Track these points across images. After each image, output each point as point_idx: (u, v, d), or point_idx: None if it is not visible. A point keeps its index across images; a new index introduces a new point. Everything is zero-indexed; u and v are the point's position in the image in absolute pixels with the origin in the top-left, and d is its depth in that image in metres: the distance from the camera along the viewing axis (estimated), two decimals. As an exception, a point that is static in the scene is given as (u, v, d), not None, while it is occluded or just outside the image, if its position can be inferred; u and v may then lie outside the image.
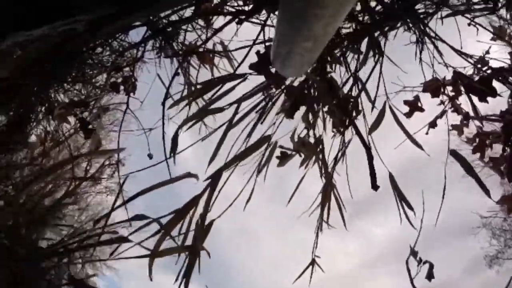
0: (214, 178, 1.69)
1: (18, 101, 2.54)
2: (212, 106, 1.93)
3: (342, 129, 2.13)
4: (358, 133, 1.89)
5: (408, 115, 2.14)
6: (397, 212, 1.90)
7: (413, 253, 1.77)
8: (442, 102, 2.15)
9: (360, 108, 2.11)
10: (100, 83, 2.81)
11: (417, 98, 2.15)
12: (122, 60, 2.59)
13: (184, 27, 2.49)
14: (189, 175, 1.74)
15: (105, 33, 2.26)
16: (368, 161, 1.73)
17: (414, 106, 2.13)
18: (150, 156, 2.51)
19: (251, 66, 1.87)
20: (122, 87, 2.38)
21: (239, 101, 1.86)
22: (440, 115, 2.18)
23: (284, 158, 2.09)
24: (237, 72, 1.99)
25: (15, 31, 1.83)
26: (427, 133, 2.20)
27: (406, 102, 2.16)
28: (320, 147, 2.18)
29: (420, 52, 2.18)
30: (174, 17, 2.35)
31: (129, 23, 2.27)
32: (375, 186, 1.68)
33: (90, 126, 2.31)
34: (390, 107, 2.10)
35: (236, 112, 1.86)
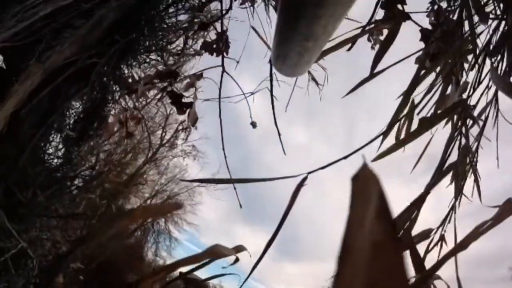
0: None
1: (91, 85, 2.19)
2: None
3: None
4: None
5: None
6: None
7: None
8: None
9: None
10: (177, 48, 2.37)
11: None
12: (202, 17, 2.12)
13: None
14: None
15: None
16: None
17: None
18: (253, 125, 2.22)
19: (382, 5, 1.56)
20: (214, 46, 1.91)
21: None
22: None
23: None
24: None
25: None
26: None
27: None
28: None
29: None
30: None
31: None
32: None
33: (184, 99, 1.90)
34: None
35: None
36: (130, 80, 2.57)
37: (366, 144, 0.89)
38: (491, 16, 1.57)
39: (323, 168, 0.80)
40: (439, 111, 1.31)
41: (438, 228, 1.15)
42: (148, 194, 14.40)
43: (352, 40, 1.37)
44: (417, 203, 0.85)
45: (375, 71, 1.22)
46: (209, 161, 14.14)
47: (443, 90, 1.42)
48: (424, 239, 0.86)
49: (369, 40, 2.39)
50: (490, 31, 1.47)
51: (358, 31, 1.63)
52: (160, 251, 15.47)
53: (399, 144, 1.16)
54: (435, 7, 1.98)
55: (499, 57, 1.33)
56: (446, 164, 1.32)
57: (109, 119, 3.02)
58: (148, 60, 2.35)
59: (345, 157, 0.83)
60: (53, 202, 2.80)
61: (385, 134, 1.17)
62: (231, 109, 2.18)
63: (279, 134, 1.72)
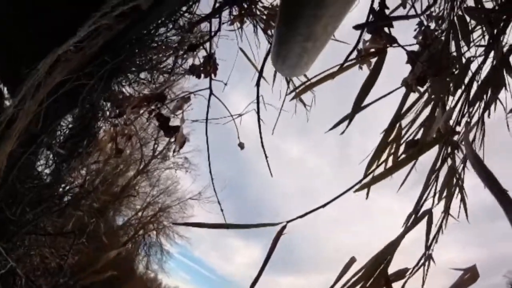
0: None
1: (81, 104, 2.19)
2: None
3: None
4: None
5: None
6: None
7: None
8: None
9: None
10: (168, 67, 2.38)
11: None
12: (192, 37, 2.14)
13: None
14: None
15: (173, 4, 1.82)
16: None
17: None
18: (241, 146, 2.23)
19: (368, 29, 1.48)
20: (201, 69, 1.91)
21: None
22: None
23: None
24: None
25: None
26: None
27: None
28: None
29: None
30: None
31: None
32: None
33: (171, 123, 1.91)
34: None
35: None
36: (120, 97, 2.57)
37: (348, 190, 0.90)
38: (478, 43, 1.59)
39: (301, 217, 0.82)
40: (425, 140, 1.32)
41: (421, 259, 1.16)
42: (139, 206, 14.34)
43: (339, 73, 1.37)
44: (394, 244, 0.86)
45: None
46: (201, 174, 14.11)
47: (430, 113, 1.44)
48: (400, 279, 0.87)
49: (356, 59, 2.42)
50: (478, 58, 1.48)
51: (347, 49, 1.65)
52: (151, 264, 15.31)
53: (385, 173, 1.17)
54: (423, 28, 2.01)
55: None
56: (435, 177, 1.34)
57: (100, 136, 3.01)
58: (137, 79, 2.36)
59: (323, 206, 0.84)
60: (42, 220, 2.78)
61: (370, 163, 1.18)
62: (227, 118, 2.18)
63: (266, 157, 1.73)
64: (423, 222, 1.18)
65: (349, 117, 1.14)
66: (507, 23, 1.35)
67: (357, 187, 1.11)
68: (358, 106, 1.15)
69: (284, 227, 0.76)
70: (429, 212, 1.01)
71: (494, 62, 1.39)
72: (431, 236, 1.23)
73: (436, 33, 1.92)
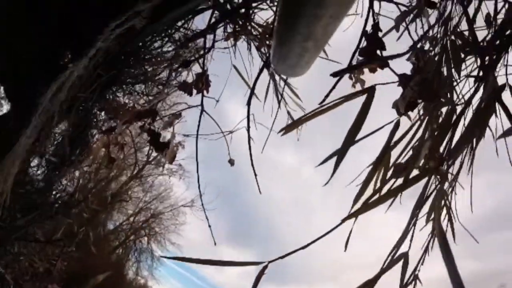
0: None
1: (76, 111, 2.20)
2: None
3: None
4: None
5: None
6: None
7: None
8: None
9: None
10: (162, 79, 2.39)
11: None
12: (187, 52, 2.15)
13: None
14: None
15: (167, 22, 1.83)
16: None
17: None
18: (231, 162, 2.23)
19: (360, 52, 1.45)
20: (193, 86, 1.91)
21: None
22: None
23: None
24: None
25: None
26: None
27: None
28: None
29: None
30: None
31: (194, 6, 1.82)
32: None
33: (161, 139, 1.92)
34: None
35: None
36: (115, 105, 2.57)
37: (335, 228, 0.90)
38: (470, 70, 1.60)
39: (283, 257, 0.83)
40: (413, 166, 1.32)
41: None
42: (131, 211, 14.28)
43: (330, 109, 1.36)
44: (372, 282, 0.87)
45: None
46: (195, 181, 14.01)
47: (420, 138, 1.44)
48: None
49: (350, 78, 2.43)
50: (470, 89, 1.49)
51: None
52: (141, 271, 15.18)
53: (371, 205, 1.16)
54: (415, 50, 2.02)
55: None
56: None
57: (93, 144, 3.00)
58: (132, 90, 2.37)
59: (305, 247, 0.85)
60: (33, 227, 2.78)
61: (359, 193, 1.18)
62: (223, 126, 2.18)
63: (255, 175, 1.74)
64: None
65: (338, 155, 1.14)
66: (498, 58, 1.36)
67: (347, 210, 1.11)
68: (348, 144, 1.15)
69: (265, 267, 0.78)
70: (405, 255, 1.01)
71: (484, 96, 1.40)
72: (421, 259, 1.24)
73: (430, 54, 1.93)
